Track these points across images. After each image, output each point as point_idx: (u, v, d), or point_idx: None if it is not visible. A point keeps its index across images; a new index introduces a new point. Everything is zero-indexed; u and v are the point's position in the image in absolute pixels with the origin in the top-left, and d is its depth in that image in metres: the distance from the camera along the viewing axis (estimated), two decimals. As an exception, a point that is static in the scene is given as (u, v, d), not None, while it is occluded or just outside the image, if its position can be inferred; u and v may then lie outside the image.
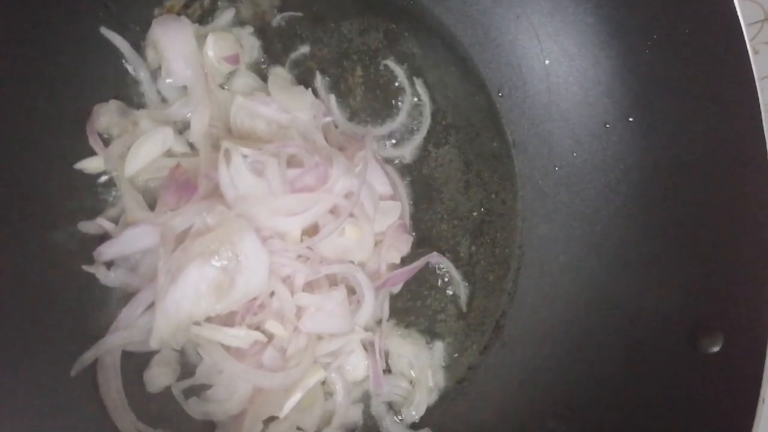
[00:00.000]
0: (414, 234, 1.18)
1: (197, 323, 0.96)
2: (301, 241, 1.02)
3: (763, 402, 0.92)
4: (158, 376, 1.02)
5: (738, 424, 0.93)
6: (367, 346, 1.11)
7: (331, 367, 1.05)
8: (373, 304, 1.08)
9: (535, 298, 1.21)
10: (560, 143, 1.22)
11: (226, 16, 1.14)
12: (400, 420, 1.14)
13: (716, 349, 0.97)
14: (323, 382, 1.07)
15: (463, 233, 1.22)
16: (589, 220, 1.19)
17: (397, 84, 1.21)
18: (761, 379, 0.92)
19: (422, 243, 1.19)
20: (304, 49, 1.18)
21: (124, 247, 1.00)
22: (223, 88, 1.12)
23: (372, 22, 1.21)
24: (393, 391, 1.13)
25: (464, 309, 1.20)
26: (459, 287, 1.20)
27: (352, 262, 1.08)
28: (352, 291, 1.09)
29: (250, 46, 1.15)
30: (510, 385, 1.17)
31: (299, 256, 1.02)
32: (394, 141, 1.20)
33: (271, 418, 1.03)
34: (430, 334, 1.19)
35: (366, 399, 1.13)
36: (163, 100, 1.10)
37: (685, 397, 1.01)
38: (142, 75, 1.09)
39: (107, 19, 1.06)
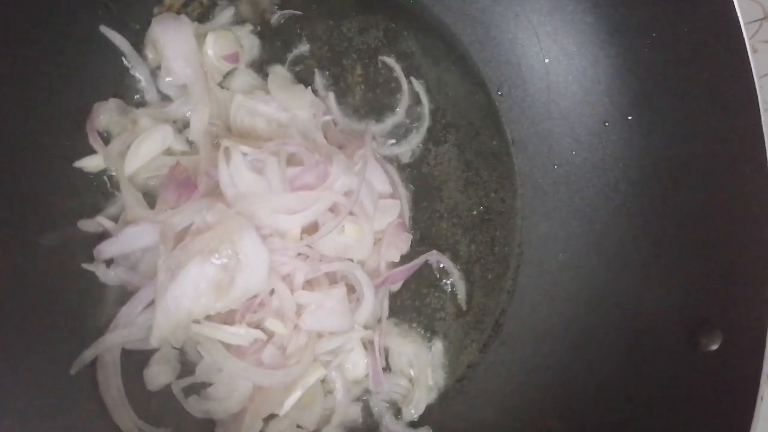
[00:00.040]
0: (413, 232, 1.18)
1: (197, 321, 0.96)
2: (301, 239, 1.02)
3: (762, 400, 0.92)
4: (158, 374, 1.02)
5: (737, 421, 0.93)
6: (367, 345, 1.11)
7: (331, 365, 1.06)
8: (372, 302, 1.08)
9: (534, 297, 1.21)
10: (560, 142, 1.22)
11: (226, 14, 1.14)
12: (400, 418, 1.14)
13: (715, 347, 0.97)
14: (323, 380, 1.08)
15: (462, 231, 1.22)
16: (588, 218, 1.19)
17: (396, 82, 1.21)
18: (760, 376, 0.92)
19: (422, 241, 1.19)
20: (304, 47, 1.18)
21: (124, 245, 1.00)
22: (222, 87, 1.12)
23: (371, 20, 1.21)
24: (393, 390, 1.14)
25: (464, 307, 1.20)
26: (458, 285, 1.20)
27: (352, 260, 1.08)
28: (351, 289, 1.09)
29: (250, 44, 1.15)
30: (509, 383, 1.17)
31: (299, 254, 1.02)
32: (393, 139, 1.20)
33: (271, 416, 1.03)
34: (430, 332, 1.19)
35: (366, 397, 1.14)
36: (163, 99, 1.10)
37: (685, 395, 1.01)
38: (142, 73, 1.09)
39: (107, 18, 1.05)
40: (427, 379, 1.15)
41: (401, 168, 1.20)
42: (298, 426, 1.06)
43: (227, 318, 0.99)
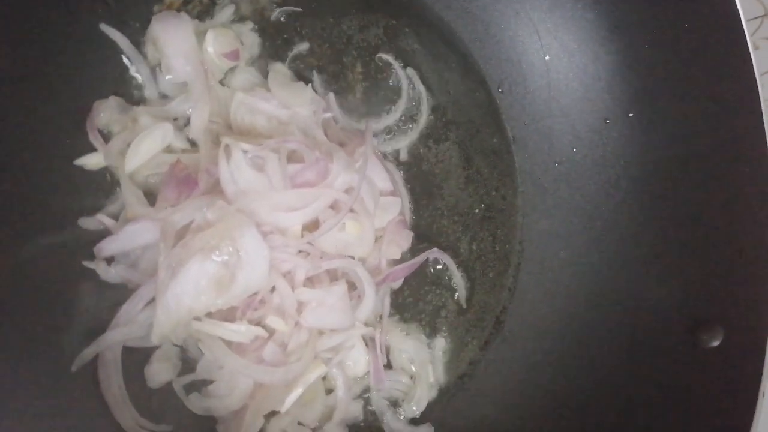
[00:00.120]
0: (414, 230, 1.18)
1: (198, 318, 0.96)
2: (302, 236, 1.02)
3: (764, 396, 0.92)
4: (159, 372, 1.02)
5: (738, 418, 0.93)
6: (368, 342, 1.11)
7: (332, 363, 1.06)
8: (373, 300, 1.08)
9: (535, 294, 1.21)
10: (560, 139, 1.22)
11: (226, 12, 1.14)
12: (401, 415, 1.14)
13: (716, 343, 0.97)
14: (324, 378, 1.07)
15: (463, 229, 1.22)
16: (589, 215, 1.19)
17: (396, 80, 1.21)
18: (761, 373, 0.92)
19: (422, 239, 1.19)
20: (304, 45, 1.18)
21: (125, 243, 0.99)
22: (222, 85, 1.12)
23: (372, 18, 1.21)
24: (394, 387, 1.14)
25: (464, 305, 1.20)
26: (459, 283, 1.20)
27: (353, 258, 1.08)
28: (352, 286, 1.09)
29: (250, 42, 1.15)
30: (510, 380, 1.17)
31: (300, 252, 1.02)
32: (393, 136, 1.20)
33: (272, 413, 1.03)
34: (431, 329, 1.19)
35: (367, 394, 1.14)
36: (163, 97, 1.10)
37: (686, 392, 1.01)
38: (142, 71, 1.09)
39: (107, 16, 1.06)
40: (428, 377, 1.15)
41: (402, 166, 1.20)
42: (299, 423, 1.06)
43: (228, 315, 0.99)
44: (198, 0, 1.14)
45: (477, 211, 1.23)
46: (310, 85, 1.14)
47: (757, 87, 0.94)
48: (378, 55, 1.21)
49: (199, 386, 1.04)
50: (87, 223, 1.02)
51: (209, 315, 0.97)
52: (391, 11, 1.22)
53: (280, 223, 1.00)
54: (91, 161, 1.03)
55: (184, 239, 0.95)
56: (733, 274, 0.99)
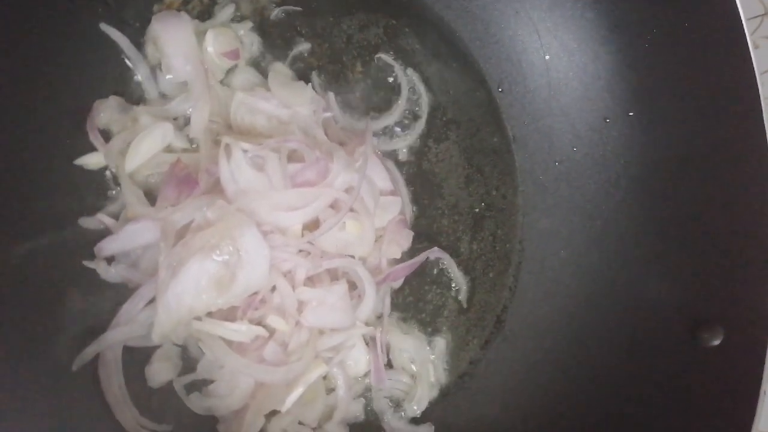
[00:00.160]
0: (414, 229, 1.18)
1: (198, 318, 0.96)
2: (302, 235, 1.02)
3: (765, 394, 0.92)
4: (160, 372, 1.02)
5: (739, 417, 0.93)
6: (369, 341, 1.11)
7: (333, 362, 1.06)
8: (374, 299, 1.08)
9: (536, 293, 1.21)
10: (560, 138, 1.22)
11: (226, 12, 1.14)
12: (402, 415, 1.14)
13: (717, 342, 0.97)
14: (325, 377, 1.07)
15: (463, 228, 1.22)
16: (589, 214, 1.19)
17: (396, 79, 1.21)
18: (762, 372, 0.92)
19: (423, 238, 1.19)
20: (304, 45, 1.18)
21: (125, 242, 0.99)
22: (222, 84, 1.12)
23: (372, 17, 1.22)
24: (394, 386, 1.14)
25: (465, 304, 1.20)
26: (460, 282, 1.20)
27: (353, 257, 1.08)
28: (353, 286, 1.09)
29: (250, 41, 1.15)
30: (511, 379, 1.17)
31: (300, 251, 1.02)
32: (393, 136, 1.20)
33: (273, 413, 1.03)
34: (432, 329, 1.19)
35: (367, 394, 1.14)
36: (163, 96, 1.10)
37: (686, 391, 1.01)
38: (142, 71, 1.09)
39: (107, 16, 1.06)
40: (429, 376, 1.15)
41: (402, 165, 1.20)
42: (300, 423, 1.06)
43: (229, 315, 1.00)
44: (198, 0, 1.14)
45: (477, 210, 1.23)
46: (310, 84, 1.14)
47: (757, 86, 0.95)
48: (378, 54, 1.21)
49: (199, 386, 1.04)
50: (87, 222, 1.02)
51: (210, 314, 0.97)
52: (391, 11, 1.22)
53: (280, 223, 1.00)
54: (91, 161, 1.03)
55: (185, 239, 0.95)
56: (733, 273, 0.99)
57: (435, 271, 1.20)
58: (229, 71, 1.13)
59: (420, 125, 1.21)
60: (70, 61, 1.02)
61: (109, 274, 1.00)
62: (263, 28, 1.16)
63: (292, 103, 1.09)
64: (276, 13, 1.17)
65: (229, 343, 0.98)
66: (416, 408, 1.13)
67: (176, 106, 1.08)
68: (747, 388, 0.93)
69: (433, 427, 1.13)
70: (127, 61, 1.08)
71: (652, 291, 1.09)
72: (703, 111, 1.03)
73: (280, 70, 1.15)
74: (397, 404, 1.14)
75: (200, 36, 1.09)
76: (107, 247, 0.99)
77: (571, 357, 1.14)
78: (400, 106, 1.20)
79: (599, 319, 1.14)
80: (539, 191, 1.24)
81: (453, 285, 1.20)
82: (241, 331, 0.98)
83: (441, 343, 1.18)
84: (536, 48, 1.21)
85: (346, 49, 1.20)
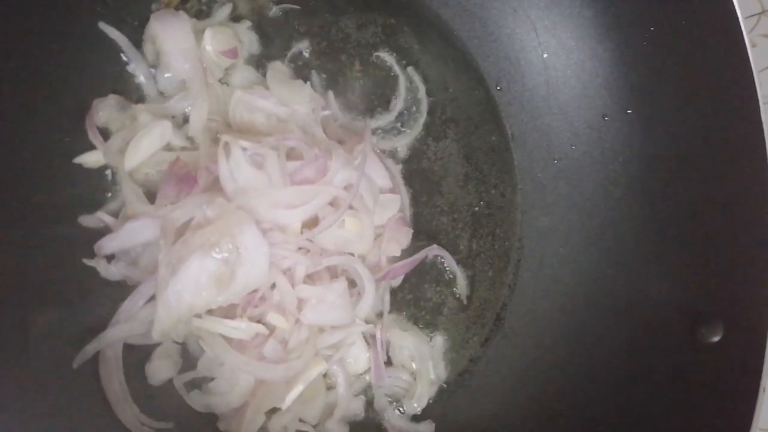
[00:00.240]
0: (414, 227, 1.18)
1: (198, 315, 0.96)
2: (301, 233, 1.02)
3: (764, 391, 0.92)
4: (160, 369, 1.02)
5: (739, 413, 0.93)
6: (369, 339, 1.11)
7: (333, 360, 1.06)
8: (373, 296, 1.08)
9: (535, 291, 1.21)
10: (559, 136, 1.22)
11: (224, 10, 1.14)
12: (402, 412, 1.14)
13: (716, 338, 0.97)
14: (325, 375, 1.08)
15: (462, 226, 1.22)
16: (588, 212, 1.19)
17: (394, 78, 1.21)
18: (762, 368, 0.92)
19: (422, 236, 1.19)
20: (303, 43, 1.18)
21: (125, 240, 0.99)
22: (221, 83, 1.12)
23: (370, 16, 1.22)
24: (394, 384, 1.14)
25: (465, 301, 1.21)
26: (459, 280, 1.20)
27: (353, 255, 1.08)
28: (352, 283, 1.09)
29: (249, 40, 1.15)
30: (511, 377, 1.17)
31: (299, 248, 1.02)
32: (392, 134, 1.20)
33: (273, 410, 1.03)
34: (431, 326, 1.19)
35: (368, 391, 1.14)
36: (162, 95, 1.10)
37: (686, 387, 1.01)
38: (141, 70, 1.09)
39: (106, 15, 1.06)
40: (429, 373, 1.15)
41: (401, 163, 1.20)
42: (300, 420, 1.06)
43: (228, 312, 1.00)
44: (196, -1, 1.15)
45: (476, 208, 1.23)
46: (308, 82, 1.14)
47: (754, 84, 0.95)
48: (376, 53, 1.21)
49: (200, 383, 1.04)
50: (87, 220, 1.02)
51: (210, 312, 0.97)
52: (389, 9, 1.22)
53: (279, 220, 1.00)
54: (90, 159, 1.03)
55: (184, 236, 0.95)
56: (732, 268, 0.99)
57: (434, 269, 1.20)
58: (228, 70, 1.13)
59: (419, 123, 1.21)
60: (69, 59, 1.02)
61: (109, 272, 1.00)
62: (261, 26, 1.17)
63: (291, 101, 1.09)
64: (274, 11, 1.17)
65: (229, 340, 0.98)
66: (416, 405, 1.14)
67: (175, 105, 1.08)
68: (747, 385, 0.93)
69: (433, 424, 1.13)
70: (125, 60, 1.08)
71: (651, 288, 1.09)
72: (701, 108, 1.03)
73: (278, 68, 1.15)
74: (397, 402, 1.14)
75: (199, 34, 1.09)
76: (107, 245, 0.99)
77: (570, 354, 1.14)
78: (399, 104, 1.21)
79: (598, 316, 1.14)
80: (538, 189, 1.24)
81: (452, 283, 1.20)
82: (240, 328, 0.98)
83: (440, 340, 1.18)
84: (534, 46, 1.21)
85: (345, 48, 1.20)
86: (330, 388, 1.09)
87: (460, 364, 1.19)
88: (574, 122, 1.20)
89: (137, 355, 1.01)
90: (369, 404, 1.14)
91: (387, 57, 1.21)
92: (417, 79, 1.22)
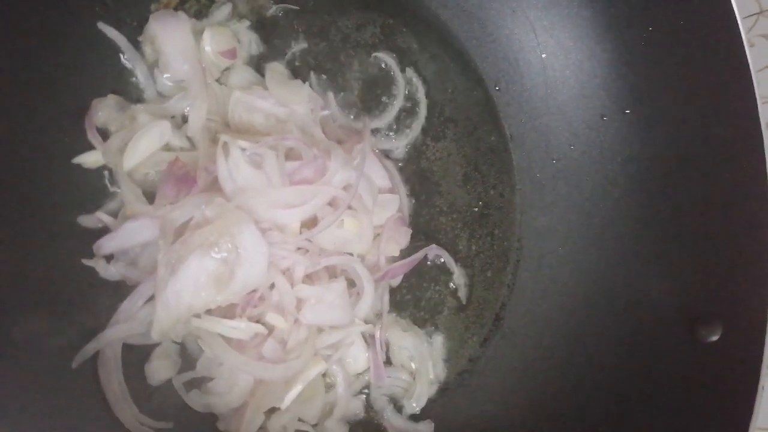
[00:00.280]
0: (412, 227, 1.18)
1: (197, 315, 0.96)
2: (300, 233, 1.02)
3: (763, 390, 0.92)
4: (159, 369, 1.02)
5: (738, 412, 0.93)
6: (368, 339, 1.11)
7: (332, 359, 1.06)
8: (372, 296, 1.08)
9: (534, 290, 1.21)
10: (557, 136, 1.22)
11: (223, 11, 1.14)
12: (401, 412, 1.14)
13: (715, 338, 0.97)
14: (324, 374, 1.08)
15: (461, 226, 1.22)
16: (587, 212, 1.19)
17: (393, 78, 1.21)
18: (761, 367, 0.92)
19: (421, 236, 1.19)
20: (301, 44, 1.18)
21: (124, 240, 1.00)
22: (220, 83, 1.12)
23: (369, 16, 1.22)
24: (394, 383, 1.14)
25: (464, 301, 1.21)
26: (458, 280, 1.20)
27: (351, 255, 1.08)
28: (351, 283, 1.09)
29: (247, 40, 1.15)
30: (510, 376, 1.17)
31: (298, 248, 1.02)
32: (391, 134, 1.20)
33: (273, 410, 1.03)
34: (431, 326, 1.19)
35: (367, 391, 1.14)
36: (161, 95, 1.10)
37: (685, 387, 1.01)
38: (140, 70, 1.09)
39: (105, 15, 1.06)
40: (428, 373, 1.15)
41: (400, 163, 1.20)
42: (300, 420, 1.06)
43: (228, 312, 1.00)
44: (195, -1, 1.15)
45: (475, 208, 1.23)
46: (307, 83, 1.14)
47: (752, 84, 0.95)
48: (375, 53, 1.21)
49: (199, 383, 1.04)
50: (86, 220, 1.02)
51: (209, 312, 0.97)
52: (387, 10, 1.23)
53: (278, 220, 1.00)
54: (89, 159, 1.03)
55: (183, 236, 0.95)
56: (731, 268, 0.99)
57: (433, 269, 1.20)
58: (227, 70, 1.13)
59: (417, 124, 1.22)
60: (69, 60, 1.02)
61: (108, 272, 1.00)
62: (260, 27, 1.17)
63: (290, 101, 1.09)
64: (273, 11, 1.17)
65: (228, 340, 0.98)
66: (415, 405, 1.13)
67: (174, 105, 1.08)
68: (745, 384, 0.93)
69: (432, 424, 1.13)
70: (124, 60, 1.08)
71: (650, 287, 1.09)
72: (700, 108, 1.03)
73: (277, 68, 1.15)
74: (396, 401, 1.14)
75: (198, 35, 1.09)
76: (106, 245, 0.99)
77: (570, 353, 1.14)
78: (398, 104, 1.21)
79: (597, 316, 1.14)
80: (537, 189, 1.24)
81: (451, 283, 1.20)
82: (240, 328, 0.98)
83: (440, 340, 1.18)
84: (533, 46, 1.22)
85: (344, 48, 1.20)
86: (329, 387, 1.09)
87: (460, 364, 1.19)
88: (572, 122, 1.20)
89: (136, 355, 1.01)
90: (368, 404, 1.13)
91: (386, 57, 1.22)
92: (416, 79, 1.22)
